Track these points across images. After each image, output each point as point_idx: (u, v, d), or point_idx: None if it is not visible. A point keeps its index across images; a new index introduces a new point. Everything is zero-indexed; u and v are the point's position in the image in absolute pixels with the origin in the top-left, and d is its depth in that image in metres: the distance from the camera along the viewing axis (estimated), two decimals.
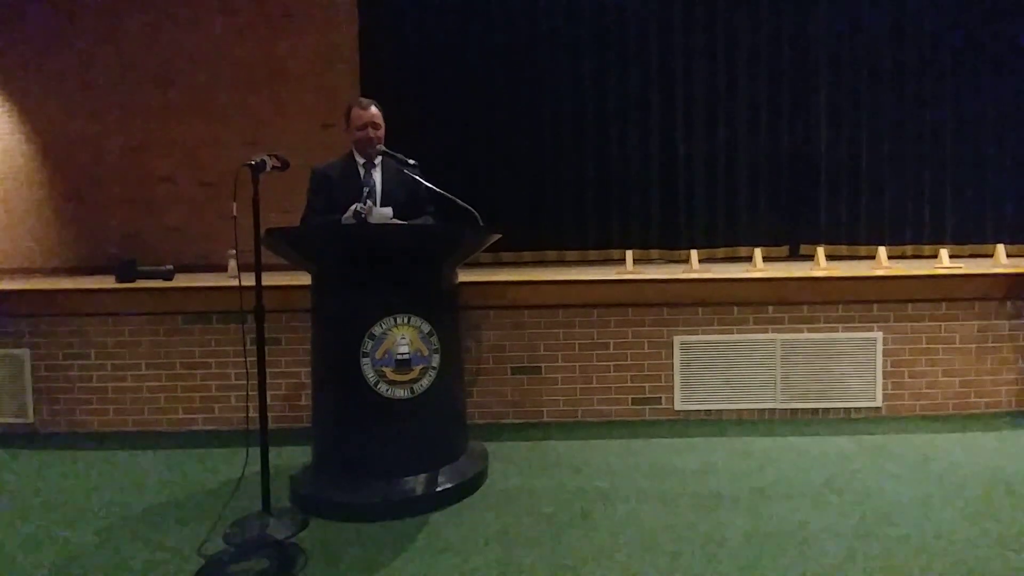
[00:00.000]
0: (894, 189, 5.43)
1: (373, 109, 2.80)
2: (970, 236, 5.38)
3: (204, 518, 2.35)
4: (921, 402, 3.47)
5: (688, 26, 5.47)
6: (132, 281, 3.88)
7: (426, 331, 2.47)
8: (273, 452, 2.31)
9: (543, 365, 3.50)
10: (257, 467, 2.24)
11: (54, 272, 5.57)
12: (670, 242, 5.51)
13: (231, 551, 2.07)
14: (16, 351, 3.49)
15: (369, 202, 2.67)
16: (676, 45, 5.48)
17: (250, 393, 2.29)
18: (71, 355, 3.51)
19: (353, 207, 2.58)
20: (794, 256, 5.45)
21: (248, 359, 2.28)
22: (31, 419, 3.50)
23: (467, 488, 2.54)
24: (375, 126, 2.78)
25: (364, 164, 2.83)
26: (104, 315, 3.51)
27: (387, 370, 2.40)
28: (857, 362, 3.45)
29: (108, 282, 3.88)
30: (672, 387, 3.48)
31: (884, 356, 3.45)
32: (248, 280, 2.23)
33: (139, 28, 5.60)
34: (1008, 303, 3.46)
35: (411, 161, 2.75)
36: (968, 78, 5.40)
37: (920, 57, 5.40)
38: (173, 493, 2.65)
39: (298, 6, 5.57)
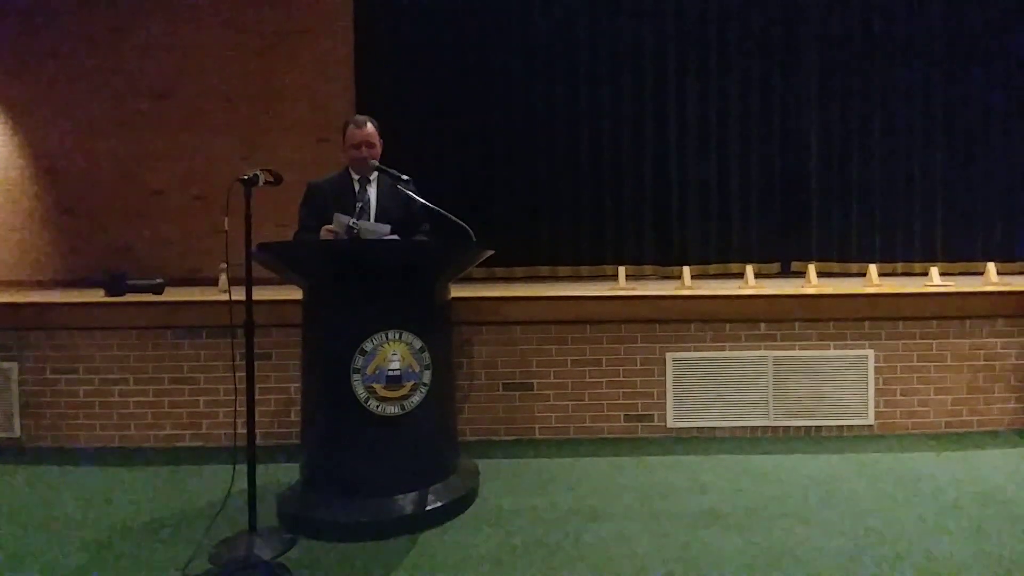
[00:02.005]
0: (885, 207, 5.49)
1: (368, 128, 2.76)
2: (961, 254, 5.44)
3: (190, 537, 2.31)
4: (913, 420, 3.47)
5: (682, 46, 5.54)
6: (122, 295, 3.85)
7: (417, 347, 2.46)
8: (261, 469, 2.30)
9: (535, 381, 3.49)
10: (244, 485, 2.21)
11: (44, 284, 5.53)
12: (663, 258, 5.55)
13: (216, 571, 2.04)
14: (4, 364, 3.45)
15: (363, 219, 2.66)
16: (670, 64, 5.55)
17: (239, 409, 2.26)
18: (59, 369, 3.47)
19: (344, 220, 2.56)
20: (785, 273, 5.48)
21: (237, 374, 2.26)
22: (17, 433, 3.45)
23: (458, 506, 2.51)
24: (369, 145, 2.75)
25: (359, 180, 2.82)
26: (92, 329, 3.48)
27: (378, 386, 2.38)
28: (849, 379, 3.45)
29: (97, 295, 3.85)
30: (665, 404, 3.47)
31: (876, 374, 3.45)
32: (239, 294, 2.22)
33: (134, 41, 5.62)
34: (999, 321, 3.48)
35: (404, 177, 2.75)
36: (959, 97, 5.48)
37: (910, 76, 5.48)
38: (159, 510, 2.61)
39: (294, 21, 5.61)
